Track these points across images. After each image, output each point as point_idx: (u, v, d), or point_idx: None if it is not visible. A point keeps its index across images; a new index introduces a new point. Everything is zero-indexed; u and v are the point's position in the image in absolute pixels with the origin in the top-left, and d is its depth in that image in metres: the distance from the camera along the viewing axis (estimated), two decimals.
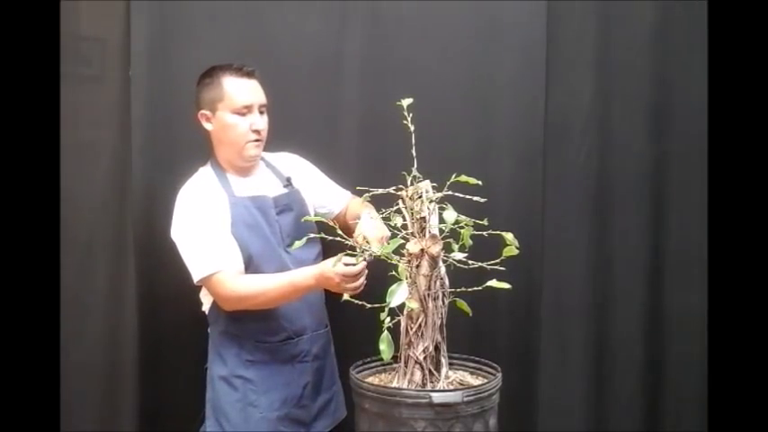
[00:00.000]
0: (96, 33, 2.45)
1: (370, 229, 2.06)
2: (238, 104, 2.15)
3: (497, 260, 1.86)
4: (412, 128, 1.91)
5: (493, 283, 1.86)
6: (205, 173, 2.23)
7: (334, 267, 1.96)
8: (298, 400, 2.21)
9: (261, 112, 2.20)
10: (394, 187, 1.90)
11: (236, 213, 2.16)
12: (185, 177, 2.22)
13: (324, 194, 2.35)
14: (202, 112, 2.20)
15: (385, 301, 1.77)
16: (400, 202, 1.89)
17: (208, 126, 2.20)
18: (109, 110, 2.46)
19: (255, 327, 2.17)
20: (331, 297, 2.18)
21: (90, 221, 2.47)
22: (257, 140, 2.19)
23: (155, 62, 2.44)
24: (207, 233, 2.12)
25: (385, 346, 1.80)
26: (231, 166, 2.22)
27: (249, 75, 2.19)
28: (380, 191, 1.90)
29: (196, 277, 2.12)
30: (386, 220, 1.88)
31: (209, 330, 2.25)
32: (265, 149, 2.27)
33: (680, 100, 2.62)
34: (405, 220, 1.88)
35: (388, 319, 1.78)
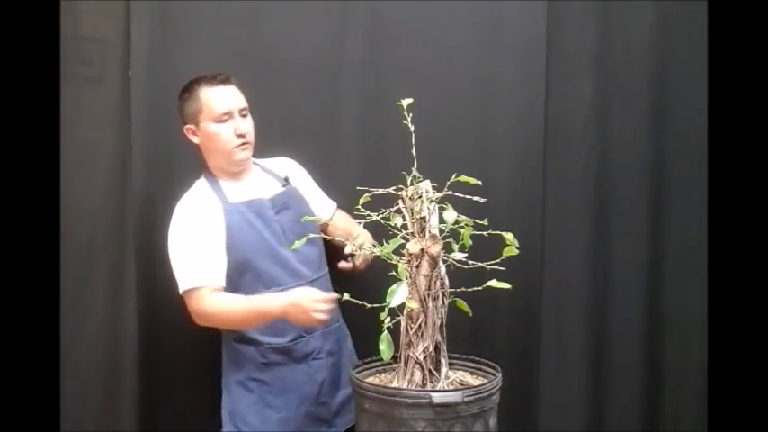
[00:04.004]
0: (96, 33, 2.45)
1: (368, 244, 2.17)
2: (218, 112, 2.18)
3: (497, 260, 1.86)
4: (412, 128, 1.91)
5: (493, 283, 1.86)
6: (200, 184, 2.24)
7: (310, 294, 2.04)
8: (316, 397, 2.23)
9: (243, 116, 2.21)
10: (394, 187, 1.90)
11: (231, 220, 2.17)
12: (185, 177, 2.23)
13: (314, 202, 2.35)
14: (187, 126, 2.23)
15: (385, 301, 1.77)
16: (400, 202, 1.89)
17: (194, 139, 2.23)
18: (109, 110, 2.46)
19: (265, 329, 2.19)
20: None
21: (90, 221, 2.47)
22: (244, 144, 2.20)
23: (155, 62, 2.43)
24: (194, 246, 2.14)
25: (385, 346, 1.81)
26: (223, 173, 2.24)
27: (224, 82, 2.21)
28: (380, 191, 1.90)
29: (180, 289, 2.15)
30: (386, 219, 1.88)
31: (222, 338, 2.26)
32: (264, 152, 2.27)
33: (680, 100, 2.61)
34: (405, 220, 1.88)
35: (388, 319, 1.79)
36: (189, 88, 2.22)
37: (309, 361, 2.23)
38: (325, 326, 2.22)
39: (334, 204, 2.41)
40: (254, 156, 2.28)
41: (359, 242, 2.13)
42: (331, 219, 2.36)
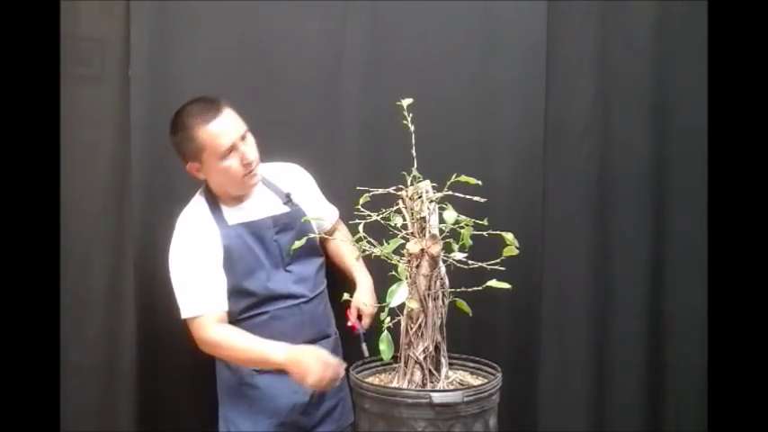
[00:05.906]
0: (96, 33, 2.45)
1: (369, 300, 2.21)
2: (222, 149, 2.08)
3: (497, 260, 1.86)
4: (412, 128, 1.91)
5: (493, 283, 1.85)
6: (197, 203, 2.20)
7: (317, 354, 2.03)
8: (305, 407, 2.20)
9: (244, 141, 2.12)
10: (394, 187, 1.90)
11: (229, 243, 2.14)
12: (185, 178, 2.22)
13: (315, 210, 2.30)
14: (191, 164, 2.15)
15: (385, 301, 1.77)
16: (400, 202, 1.89)
17: (201, 176, 2.17)
18: (109, 110, 2.46)
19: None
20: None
21: (89, 222, 2.47)
22: (252, 171, 2.14)
23: (155, 62, 2.43)
24: (194, 272, 2.11)
25: (385, 346, 1.80)
26: (226, 195, 2.19)
27: (217, 111, 2.09)
28: (380, 191, 1.90)
29: (183, 315, 2.14)
30: (386, 219, 1.88)
31: None
32: (264, 153, 2.26)
33: (680, 100, 2.61)
34: (405, 220, 1.88)
35: (388, 319, 1.79)
36: (181, 125, 2.10)
37: None
38: (318, 338, 2.22)
39: (336, 212, 2.37)
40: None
41: (362, 299, 2.21)
42: (330, 231, 2.35)
